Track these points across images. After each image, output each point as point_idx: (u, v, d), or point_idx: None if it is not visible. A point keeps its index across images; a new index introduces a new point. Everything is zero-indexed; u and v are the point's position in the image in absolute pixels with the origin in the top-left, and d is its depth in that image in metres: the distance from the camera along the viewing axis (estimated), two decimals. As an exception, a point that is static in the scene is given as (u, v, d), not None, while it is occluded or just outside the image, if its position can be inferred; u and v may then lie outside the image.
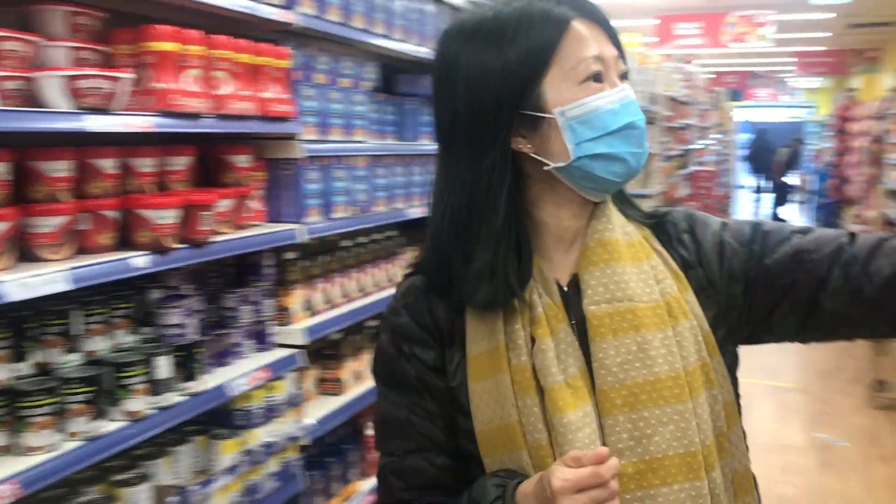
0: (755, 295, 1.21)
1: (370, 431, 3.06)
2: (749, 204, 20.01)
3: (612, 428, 1.12)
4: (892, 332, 1.22)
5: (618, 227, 1.21)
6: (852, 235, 1.21)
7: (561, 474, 1.00)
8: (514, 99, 1.14)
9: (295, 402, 2.56)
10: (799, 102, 25.67)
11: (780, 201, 17.84)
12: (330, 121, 2.73)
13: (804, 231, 1.24)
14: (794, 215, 18.44)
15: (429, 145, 3.51)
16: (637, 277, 1.17)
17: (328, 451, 2.89)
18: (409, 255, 3.43)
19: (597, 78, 1.15)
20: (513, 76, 1.14)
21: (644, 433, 1.11)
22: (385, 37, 3.05)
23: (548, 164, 1.16)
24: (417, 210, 3.35)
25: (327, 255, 2.82)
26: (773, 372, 6.70)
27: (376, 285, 3.10)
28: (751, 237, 1.24)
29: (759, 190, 20.48)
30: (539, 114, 1.15)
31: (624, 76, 1.19)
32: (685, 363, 1.15)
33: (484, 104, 1.15)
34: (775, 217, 17.40)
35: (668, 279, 1.20)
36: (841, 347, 7.39)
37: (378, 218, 3.05)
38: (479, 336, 1.17)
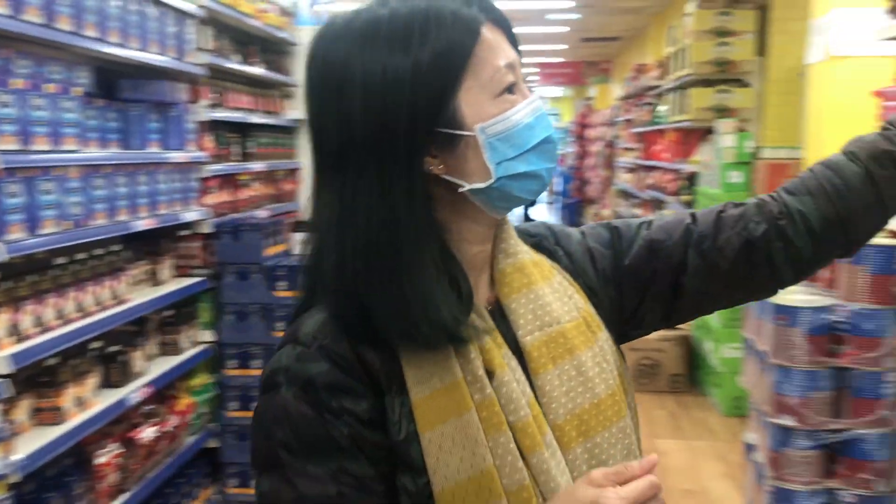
0: (624, 294, 1.21)
1: (102, 459, 2.88)
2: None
3: (574, 462, 1.05)
4: (747, 297, 1.27)
5: (523, 248, 1.15)
6: (693, 216, 1.23)
7: (615, 494, 0.88)
8: (428, 112, 1.00)
9: (1, 437, 2.35)
10: (546, 110, 27.52)
11: (529, 202, 18.92)
12: (33, 129, 2.52)
13: (648, 223, 1.25)
14: (544, 215, 19.72)
15: (159, 153, 3.36)
16: (554, 298, 1.12)
17: (48, 485, 2.68)
18: (137, 271, 3.26)
19: (511, 89, 1.05)
20: (426, 84, 0.99)
21: (600, 459, 1.06)
22: (99, 40, 2.87)
23: (462, 186, 1.04)
24: (144, 222, 3.19)
25: (37, 275, 2.61)
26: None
27: (99, 304, 2.92)
28: (609, 239, 1.23)
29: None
30: (457, 131, 1.02)
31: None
32: (613, 377, 1.12)
33: (392, 118, 0.98)
34: (527, 217, 18.49)
35: (575, 294, 1.16)
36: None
37: (97, 232, 2.87)
38: (425, 375, 1.00)
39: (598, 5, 10.67)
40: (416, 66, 0.98)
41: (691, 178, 7.07)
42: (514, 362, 1.06)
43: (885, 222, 1.18)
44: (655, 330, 1.27)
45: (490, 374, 1.02)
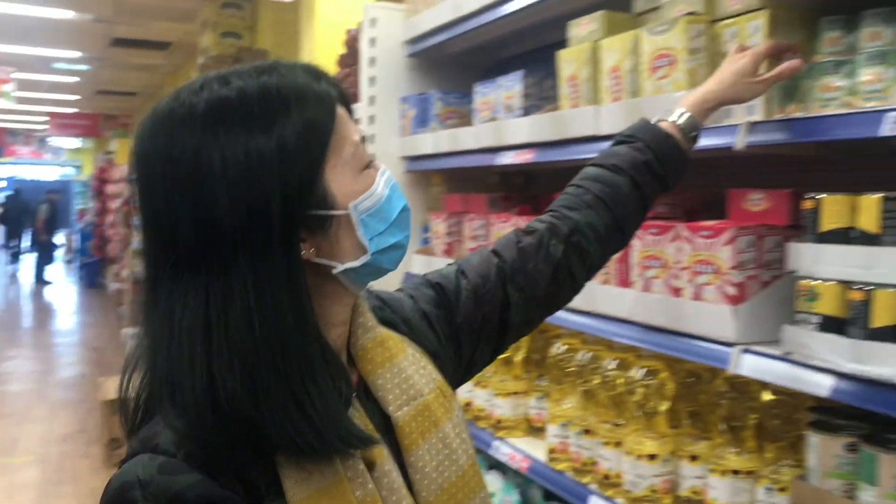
0: (462, 347, 1.26)
1: None
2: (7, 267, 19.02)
3: None
4: (556, 310, 1.41)
5: (377, 323, 1.13)
6: (495, 253, 1.33)
7: None
8: (300, 193, 0.94)
9: None
10: (65, 161, 25.61)
11: (44, 260, 17.38)
12: None
13: (462, 271, 1.29)
14: (61, 274, 18.12)
15: None
16: (414, 370, 1.11)
17: None
18: None
19: (369, 164, 1.05)
20: (294, 164, 0.93)
21: None
22: None
23: (336, 268, 1.01)
24: None
25: None
26: (3, 448, 6.33)
27: None
28: (436, 297, 1.25)
29: (18, 252, 19.64)
30: (330, 211, 0.98)
31: None
32: (469, 444, 1.12)
33: (262, 204, 0.90)
34: (39, 277, 16.79)
35: (427, 364, 1.15)
36: (86, 410, 7.41)
37: None
38: (304, 474, 0.92)
39: (108, 59, 10.25)
40: (280, 146, 0.92)
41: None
42: (386, 448, 1.02)
43: (646, 216, 1.52)
44: (484, 367, 1.34)
45: (370, 464, 0.98)
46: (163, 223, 0.94)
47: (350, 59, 3.77)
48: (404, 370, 1.10)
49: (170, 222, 0.93)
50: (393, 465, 1.01)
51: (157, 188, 0.95)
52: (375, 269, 1.05)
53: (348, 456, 0.96)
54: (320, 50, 5.85)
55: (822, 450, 1.63)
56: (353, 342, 1.10)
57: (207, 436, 0.90)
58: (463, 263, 1.32)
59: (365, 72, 3.42)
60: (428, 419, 1.07)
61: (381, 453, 1.01)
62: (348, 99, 1.07)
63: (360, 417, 1.02)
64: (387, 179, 1.07)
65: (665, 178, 1.51)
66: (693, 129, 1.56)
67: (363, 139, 1.06)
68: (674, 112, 1.58)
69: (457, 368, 1.26)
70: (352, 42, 3.76)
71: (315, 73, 1.02)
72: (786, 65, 1.62)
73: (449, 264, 1.36)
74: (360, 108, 3.45)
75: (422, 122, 3.26)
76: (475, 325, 1.26)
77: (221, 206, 0.91)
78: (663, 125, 1.55)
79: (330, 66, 5.47)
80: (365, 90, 3.42)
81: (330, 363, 0.99)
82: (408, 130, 3.35)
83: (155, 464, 0.91)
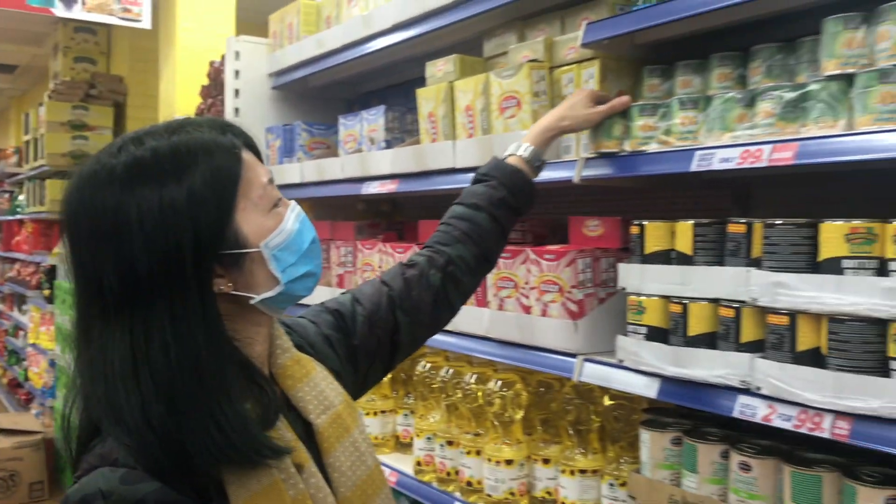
0: (358, 367, 1.44)
1: None
2: None
3: None
4: (436, 332, 1.63)
5: (291, 343, 1.27)
6: (383, 282, 1.53)
7: None
8: (211, 235, 1.06)
9: None
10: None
11: None
12: None
13: (356, 299, 1.48)
14: None
15: None
16: (325, 384, 1.26)
17: None
18: None
19: (277, 203, 1.17)
20: (203, 209, 1.05)
21: None
22: None
23: (253, 298, 1.14)
24: None
25: None
26: None
27: None
28: (335, 322, 1.43)
29: None
30: (242, 250, 1.11)
31: None
32: (373, 448, 1.29)
33: (175, 247, 1.03)
34: None
35: (333, 380, 1.30)
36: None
37: None
38: (243, 479, 1.05)
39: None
40: (190, 194, 1.04)
41: (52, 272, 6.79)
42: (304, 448, 1.16)
43: (507, 242, 1.75)
44: (377, 383, 1.56)
45: (299, 467, 1.12)
46: (90, 274, 1.06)
47: (214, 90, 3.83)
48: (318, 384, 1.25)
49: (96, 272, 1.05)
50: (317, 468, 1.17)
51: (83, 242, 1.07)
52: (291, 297, 1.19)
53: (280, 459, 1.09)
54: (181, 78, 5.83)
55: (652, 445, 1.85)
56: (273, 361, 1.24)
57: (153, 452, 1.01)
58: (357, 292, 1.51)
59: (230, 103, 3.49)
60: (341, 426, 1.23)
61: (307, 457, 1.15)
62: (255, 145, 1.21)
63: (284, 427, 1.15)
64: (297, 215, 1.19)
65: (519, 208, 1.74)
66: (537, 159, 1.80)
67: (271, 180, 1.17)
68: (520, 146, 1.80)
69: (354, 385, 1.43)
70: (215, 74, 3.82)
71: (221, 126, 1.16)
72: (617, 99, 1.87)
73: (343, 293, 1.54)
74: (226, 139, 3.51)
75: (287, 151, 3.37)
76: (370, 346, 1.46)
77: (139, 254, 1.02)
78: (512, 160, 1.78)
79: (191, 93, 5.47)
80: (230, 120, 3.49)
81: (254, 380, 1.13)
82: (274, 160, 3.44)
83: (116, 475, 1.00)
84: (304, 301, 1.29)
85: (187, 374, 1.02)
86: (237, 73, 3.48)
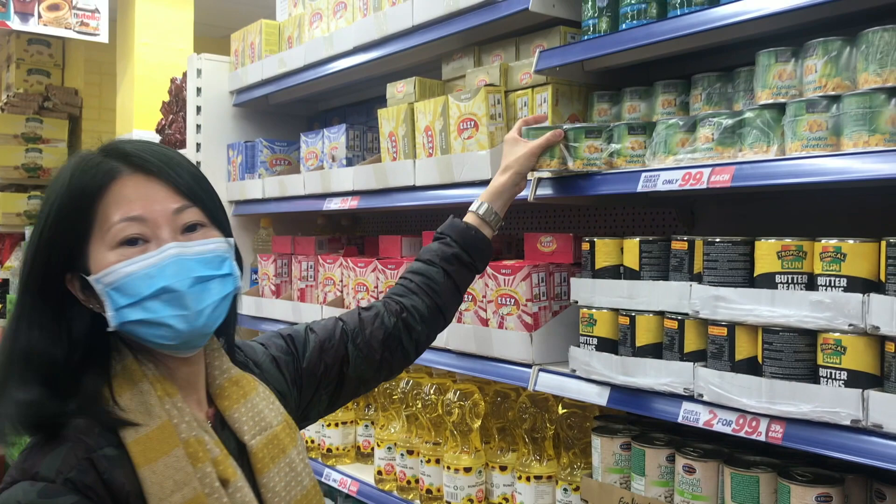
0: (303, 391, 1.49)
1: None
2: None
3: None
4: (389, 377, 1.70)
5: (232, 365, 1.32)
6: (341, 319, 1.61)
7: None
8: (61, 256, 1.16)
9: None
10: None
11: None
12: None
13: (311, 328, 1.57)
14: None
15: None
16: (265, 405, 1.30)
17: None
18: None
19: (134, 241, 1.15)
20: (53, 234, 1.15)
21: None
22: None
23: (109, 325, 1.16)
24: None
25: None
26: None
27: None
28: (286, 346, 1.51)
29: None
30: (86, 276, 1.15)
31: (192, 227, 1.20)
32: (311, 469, 1.33)
33: (40, 256, 1.17)
34: None
35: (275, 401, 1.34)
36: None
37: None
38: (166, 492, 1.09)
39: None
40: (45, 221, 1.16)
41: (4, 285, 6.71)
42: (236, 466, 1.20)
43: (462, 298, 1.81)
44: (319, 419, 1.59)
45: (225, 482, 1.15)
46: None
47: (175, 106, 3.87)
48: (256, 405, 1.29)
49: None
50: (246, 484, 1.19)
51: None
52: (141, 338, 1.17)
53: (205, 474, 1.13)
54: (139, 92, 5.84)
55: (603, 450, 1.96)
56: (211, 382, 1.30)
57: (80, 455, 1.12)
58: (312, 323, 1.61)
59: (191, 119, 3.54)
60: (277, 447, 1.27)
61: (234, 472, 1.18)
62: (158, 167, 1.19)
63: (214, 444, 1.19)
64: (161, 259, 1.15)
65: (473, 263, 1.80)
66: (491, 214, 1.85)
67: (136, 218, 1.16)
68: (478, 204, 1.86)
69: (297, 409, 1.48)
70: (176, 90, 3.86)
71: (115, 154, 1.21)
72: (549, 134, 1.89)
73: (298, 325, 1.62)
74: (188, 154, 3.56)
75: (249, 168, 3.42)
76: (317, 371, 1.52)
77: (27, 263, 1.20)
78: (468, 218, 1.85)
79: (149, 107, 5.48)
80: (192, 137, 3.54)
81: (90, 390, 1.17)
82: (235, 176, 3.50)
83: (35, 489, 1.04)
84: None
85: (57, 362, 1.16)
86: (199, 90, 3.53)
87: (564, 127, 1.90)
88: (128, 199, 1.16)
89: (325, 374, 1.53)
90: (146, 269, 1.14)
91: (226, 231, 1.27)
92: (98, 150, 1.22)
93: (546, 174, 2.05)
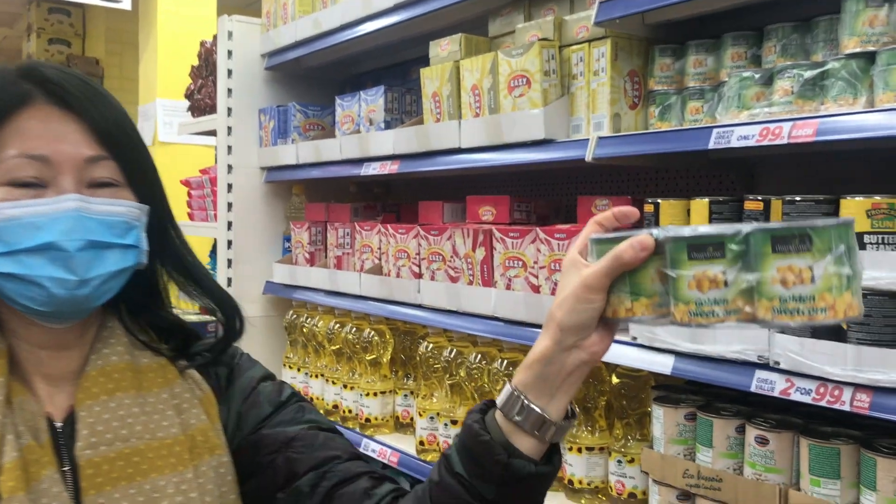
0: (239, 455, 1.11)
1: None
2: None
3: None
4: None
5: (125, 353, 1.06)
6: (355, 457, 1.13)
7: None
8: None
9: None
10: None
11: None
12: None
13: (323, 427, 1.16)
14: None
15: None
16: (151, 409, 1.03)
17: None
18: None
19: (28, 184, 0.97)
20: None
21: None
22: None
23: None
24: None
25: None
26: None
27: None
28: (281, 403, 1.16)
29: None
30: None
31: (103, 184, 1.01)
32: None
33: None
34: None
35: (195, 408, 1.07)
36: None
37: None
38: None
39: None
40: None
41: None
42: (55, 479, 0.95)
43: None
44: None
45: None
46: None
47: (205, 70, 3.78)
48: (128, 407, 1.03)
49: None
50: (25, 502, 0.93)
51: None
52: (4, 296, 0.99)
53: None
54: (162, 60, 5.75)
55: (665, 421, 1.87)
56: (83, 370, 1.05)
57: None
58: (339, 435, 1.18)
59: (222, 83, 3.45)
60: (134, 467, 0.99)
61: (17, 485, 0.93)
62: (79, 102, 1.01)
63: (13, 447, 0.95)
64: (56, 209, 0.97)
65: (471, 486, 0.99)
66: (522, 408, 0.98)
67: (39, 157, 0.99)
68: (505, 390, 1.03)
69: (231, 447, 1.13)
70: (206, 54, 3.77)
71: (25, 74, 1.02)
72: (623, 246, 0.94)
73: (316, 418, 1.21)
74: (218, 120, 3.48)
75: (282, 133, 3.34)
76: (262, 455, 1.12)
77: None
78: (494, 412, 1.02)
79: (172, 75, 5.39)
80: (223, 101, 3.45)
81: None
82: (268, 142, 3.41)
83: None
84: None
85: None
86: (230, 53, 3.44)
87: (654, 232, 0.94)
88: (33, 133, 0.98)
89: (264, 471, 1.12)
90: (34, 216, 0.96)
91: (144, 197, 1.07)
92: (15, 67, 1.03)
93: (605, 133, 1.94)
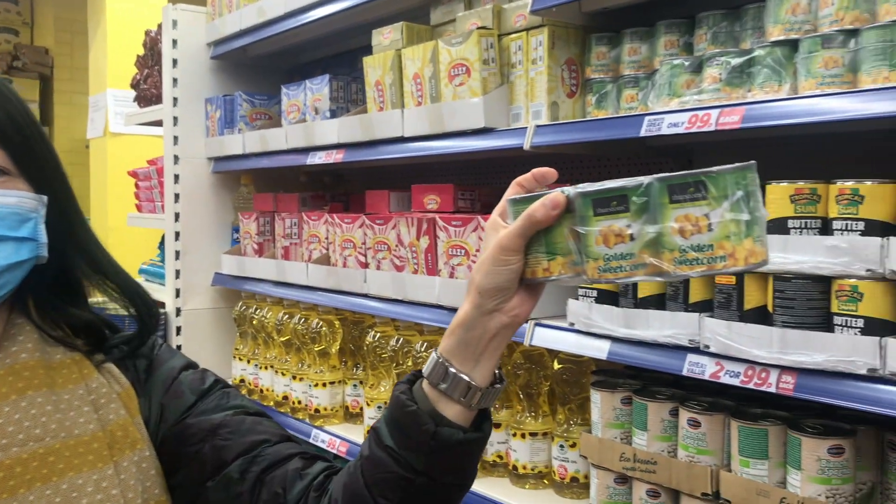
0: (164, 447, 1.09)
1: None
2: None
3: None
4: None
5: (35, 350, 1.02)
6: (285, 439, 1.12)
7: None
8: None
9: None
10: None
11: None
12: None
13: (250, 412, 1.14)
14: None
15: None
16: (67, 406, 1.00)
17: None
18: None
19: None
20: None
21: None
22: None
23: None
24: None
25: None
26: None
27: None
28: (204, 390, 1.13)
29: None
30: None
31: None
32: (132, 501, 0.99)
33: None
34: None
35: (113, 403, 1.04)
36: None
37: None
38: None
39: None
40: None
41: None
42: None
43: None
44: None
45: None
46: None
47: (150, 60, 3.72)
48: (41, 405, 0.99)
49: None
50: None
51: None
52: None
53: None
54: (112, 49, 5.65)
55: (603, 405, 1.90)
56: None
57: None
58: (267, 419, 1.16)
59: (167, 73, 3.40)
60: (50, 467, 0.96)
61: None
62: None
63: None
64: None
65: (399, 458, 0.97)
66: (447, 376, 0.97)
67: None
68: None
69: (155, 443, 1.10)
70: (151, 43, 3.71)
71: None
72: (535, 206, 0.95)
73: (245, 404, 1.19)
74: (164, 110, 3.43)
75: (228, 123, 3.30)
76: (188, 445, 1.10)
77: None
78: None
79: (123, 65, 5.30)
80: (168, 91, 3.41)
81: None
82: (214, 131, 3.37)
83: None
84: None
85: None
86: (175, 42, 3.39)
87: (566, 190, 0.96)
88: None
89: (190, 461, 1.09)
90: None
91: (42, 187, 1.04)
92: None
93: (543, 121, 1.96)
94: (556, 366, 2.17)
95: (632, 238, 0.89)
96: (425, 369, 1.00)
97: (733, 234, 0.82)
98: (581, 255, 0.93)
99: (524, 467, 2.19)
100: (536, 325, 1.99)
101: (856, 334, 1.41)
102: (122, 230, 4.55)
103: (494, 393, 1.00)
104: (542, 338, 1.97)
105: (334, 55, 3.42)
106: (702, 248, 0.84)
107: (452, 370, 0.96)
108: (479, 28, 2.13)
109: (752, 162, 0.83)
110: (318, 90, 2.83)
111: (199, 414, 1.11)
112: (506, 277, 0.95)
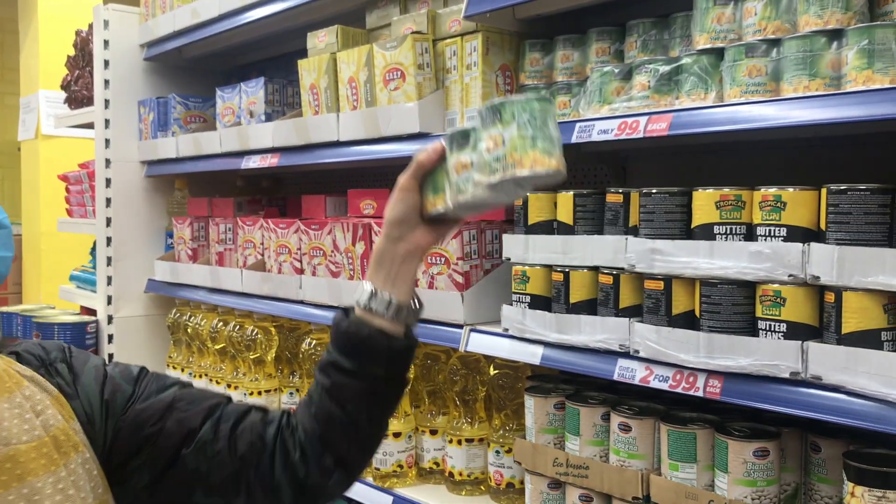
0: (120, 438, 1.13)
1: None
2: None
3: None
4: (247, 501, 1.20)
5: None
6: (229, 399, 1.23)
7: None
8: None
9: None
10: None
11: None
12: None
13: (185, 384, 1.23)
14: None
15: None
16: (10, 415, 1.00)
17: None
18: None
19: None
20: None
21: None
22: None
23: None
24: None
25: None
26: None
27: None
28: (136, 377, 1.19)
29: None
30: None
31: None
32: (84, 502, 1.02)
33: None
34: None
35: (49, 409, 1.04)
36: None
37: None
38: None
39: None
40: None
41: None
42: None
43: (361, 424, 1.19)
44: (137, 499, 1.16)
45: None
46: None
47: (81, 60, 3.62)
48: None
49: None
50: None
51: None
52: None
53: None
54: (44, 49, 5.50)
55: (536, 410, 1.90)
56: None
57: None
58: (197, 388, 1.25)
59: (99, 74, 3.32)
60: (9, 472, 0.97)
61: None
62: None
63: None
64: None
65: (360, 369, 1.18)
66: (376, 299, 1.19)
67: None
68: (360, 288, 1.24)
69: (105, 455, 1.12)
70: (82, 44, 3.62)
71: None
72: (419, 155, 1.21)
73: (179, 379, 1.27)
74: (96, 112, 3.34)
75: (162, 125, 3.23)
76: (148, 427, 1.15)
77: None
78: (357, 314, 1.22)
79: (56, 65, 5.16)
80: (100, 93, 3.32)
81: None
82: (147, 134, 3.30)
83: None
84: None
85: None
86: (106, 43, 3.31)
87: (445, 136, 1.20)
88: None
89: (156, 437, 1.14)
90: None
91: None
92: None
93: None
94: (493, 371, 2.17)
95: (473, 165, 1.12)
96: (356, 295, 1.22)
97: (520, 147, 1.05)
98: (448, 187, 1.17)
99: (460, 474, 2.18)
100: (472, 330, 1.99)
101: (779, 338, 1.43)
102: (53, 235, 4.43)
103: (416, 313, 1.26)
104: (478, 344, 1.96)
105: (271, 58, 3.37)
106: (499, 160, 1.07)
107: (378, 290, 1.20)
108: (413, 33, 2.12)
109: (542, 93, 1.08)
110: (253, 93, 2.79)
111: (144, 398, 1.18)
112: (403, 210, 1.21)
